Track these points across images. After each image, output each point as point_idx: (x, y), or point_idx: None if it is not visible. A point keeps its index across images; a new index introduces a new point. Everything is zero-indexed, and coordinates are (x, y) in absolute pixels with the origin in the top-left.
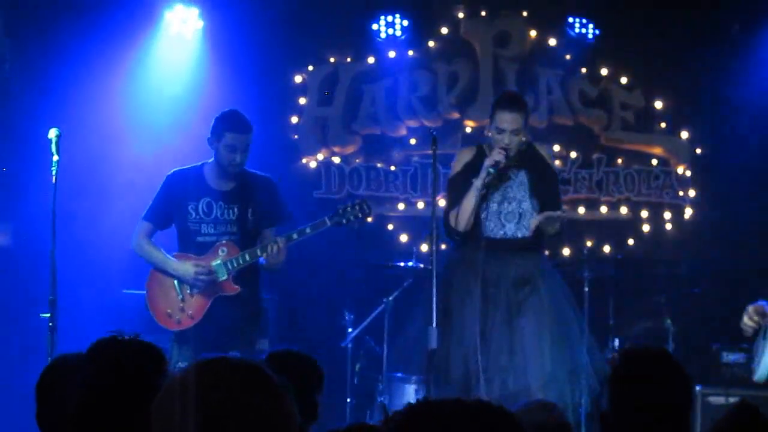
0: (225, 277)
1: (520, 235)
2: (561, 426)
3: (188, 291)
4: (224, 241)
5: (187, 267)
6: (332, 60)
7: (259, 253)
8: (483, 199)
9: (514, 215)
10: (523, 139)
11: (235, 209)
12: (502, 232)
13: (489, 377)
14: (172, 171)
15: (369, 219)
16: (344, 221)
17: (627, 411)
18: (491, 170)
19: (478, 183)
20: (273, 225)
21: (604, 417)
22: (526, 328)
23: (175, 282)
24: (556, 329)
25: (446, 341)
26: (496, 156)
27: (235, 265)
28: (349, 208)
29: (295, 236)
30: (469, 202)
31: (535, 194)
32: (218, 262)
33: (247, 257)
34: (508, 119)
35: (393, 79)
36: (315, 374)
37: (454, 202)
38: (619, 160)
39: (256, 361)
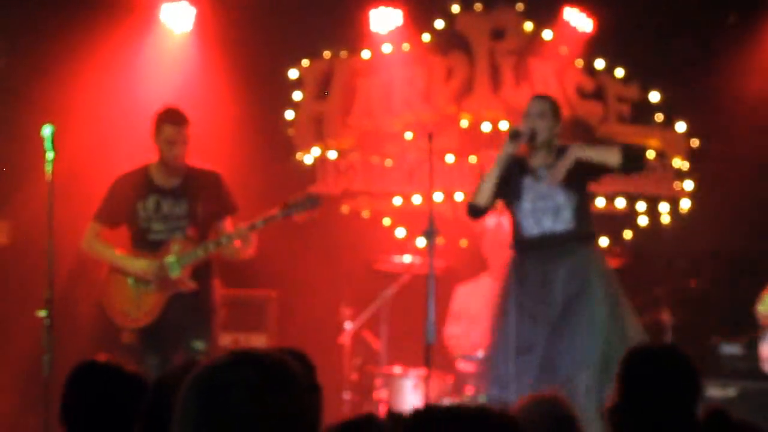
0: (179, 274)
1: (558, 230)
2: (566, 418)
3: (143, 288)
4: (176, 237)
5: (138, 263)
6: (327, 54)
7: (211, 248)
8: (516, 199)
9: (550, 210)
10: (555, 137)
11: (184, 204)
12: (539, 229)
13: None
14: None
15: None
16: (293, 213)
17: (634, 406)
18: (511, 134)
19: (500, 153)
20: (222, 218)
21: (610, 411)
22: (579, 319)
23: (130, 280)
24: (613, 323)
25: (495, 347)
26: (520, 126)
27: (189, 260)
28: (298, 201)
29: (245, 230)
30: (491, 172)
31: (569, 187)
32: (171, 258)
33: (200, 252)
34: (533, 104)
35: (388, 74)
36: (307, 370)
37: None
38: None
39: (283, 356)
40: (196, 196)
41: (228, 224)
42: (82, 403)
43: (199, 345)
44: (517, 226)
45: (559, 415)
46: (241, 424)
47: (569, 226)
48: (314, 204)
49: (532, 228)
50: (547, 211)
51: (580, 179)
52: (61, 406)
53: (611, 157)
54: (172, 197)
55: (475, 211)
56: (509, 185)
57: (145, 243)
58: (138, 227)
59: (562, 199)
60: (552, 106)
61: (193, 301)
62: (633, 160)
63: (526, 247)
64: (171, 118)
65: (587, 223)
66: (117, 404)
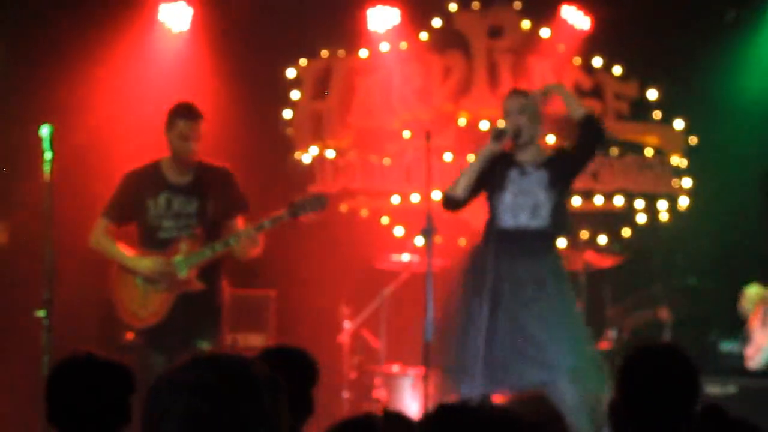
0: (186, 273)
1: (534, 225)
2: (553, 417)
3: (151, 288)
4: (185, 236)
5: (145, 262)
6: (325, 53)
7: (219, 248)
8: (499, 190)
9: (529, 206)
10: (539, 131)
11: (195, 202)
12: (514, 222)
13: (502, 371)
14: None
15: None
16: (300, 213)
17: (635, 403)
18: (495, 134)
19: (482, 150)
20: (233, 216)
21: (612, 406)
22: (538, 323)
23: (138, 279)
24: (568, 325)
25: (458, 336)
26: (503, 124)
27: (197, 260)
28: (305, 201)
29: (253, 231)
30: (471, 167)
31: (551, 186)
32: (179, 257)
33: (208, 252)
34: (511, 101)
35: (386, 72)
36: (309, 368)
37: None
38: (614, 150)
39: (245, 357)
40: (207, 194)
41: (240, 222)
42: (67, 399)
43: (205, 345)
44: (494, 217)
45: (545, 414)
46: (201, 425)
47: (544, 224)
48: (322, 205)
49: (508, 221)
50: (525, 207)
51: (563, 176)
52: (48, 407)
53: (578, 108)
54: (183, 195)
55: (451, 203)
56: (494, 176)
57: (154, 241)
58: (148, 225)
59: (543, 198)
60: (524, 99)
61: (200, 301)
62: (595, 121)
63: (498, 238)
64: (185, 113)
65: (562, 224)
66: (101, 395)
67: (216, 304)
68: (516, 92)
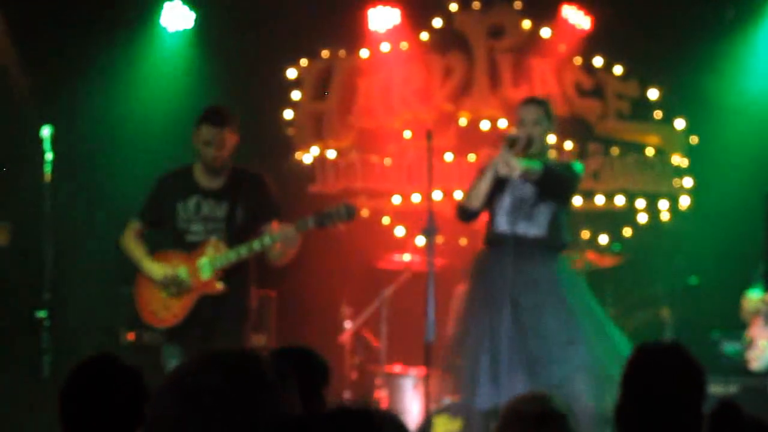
0: (209, 276)
1: (531, 234)
2: (554, 416)
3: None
4: (211, 239)
5: (155, 269)
6: (325, 53)
7: (243, 251)
8: (498, 192)
9: (527, 214)
10: (548, 139)
11: (225, 206)
12: (512, 229)
13: (515, 373)
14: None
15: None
16: (327, 223)
17: (641, 405)
18: (508, 141)
19: (496, 159)
20: (265, 222)
21: (618, 410)
22: (564, 328)
23: None
24: (587, 323)
25: (469, 341)
26: (514, 131)
27: (220, 263)
28: (332, 211)
29: (279, 235)
30: (486, 177)
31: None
32: (204, 259)
33: (233, 255)
34: (527, 111)
35: (387, 72)
36: (321, 369)
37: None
38: (615, 150)
39: (249, 351)
40: (237, 199)
41: (274, 227)
42: (85, 405)
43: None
44: (491, 220)
45: (546, 412)
46: (214, 426)
47: (541, 233)
48: (350, 215)
49: (504, 225)
50: (524, 214)
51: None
52: (63, 413)
53: (533, 173)
54: (213, 199)
55: (466, 214)
56: (497, 181)
57: (182, 244)
58: (177, 228)
59: (542, 207)
60: (546, 110)
61: (225, 305)
62: (545, 183)
63: (497, 243)
64: (209, 119)
65: (560, 234)
66: (119, 400)
67: (241, 307)
68: (532, 101)
